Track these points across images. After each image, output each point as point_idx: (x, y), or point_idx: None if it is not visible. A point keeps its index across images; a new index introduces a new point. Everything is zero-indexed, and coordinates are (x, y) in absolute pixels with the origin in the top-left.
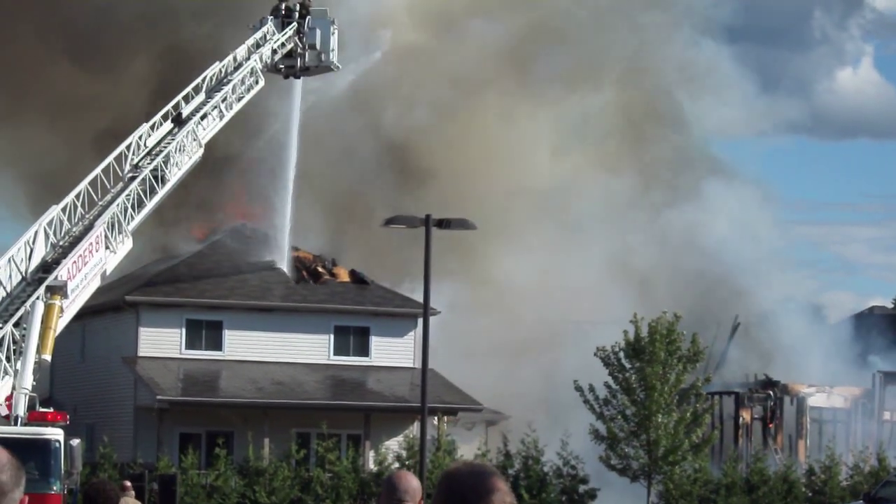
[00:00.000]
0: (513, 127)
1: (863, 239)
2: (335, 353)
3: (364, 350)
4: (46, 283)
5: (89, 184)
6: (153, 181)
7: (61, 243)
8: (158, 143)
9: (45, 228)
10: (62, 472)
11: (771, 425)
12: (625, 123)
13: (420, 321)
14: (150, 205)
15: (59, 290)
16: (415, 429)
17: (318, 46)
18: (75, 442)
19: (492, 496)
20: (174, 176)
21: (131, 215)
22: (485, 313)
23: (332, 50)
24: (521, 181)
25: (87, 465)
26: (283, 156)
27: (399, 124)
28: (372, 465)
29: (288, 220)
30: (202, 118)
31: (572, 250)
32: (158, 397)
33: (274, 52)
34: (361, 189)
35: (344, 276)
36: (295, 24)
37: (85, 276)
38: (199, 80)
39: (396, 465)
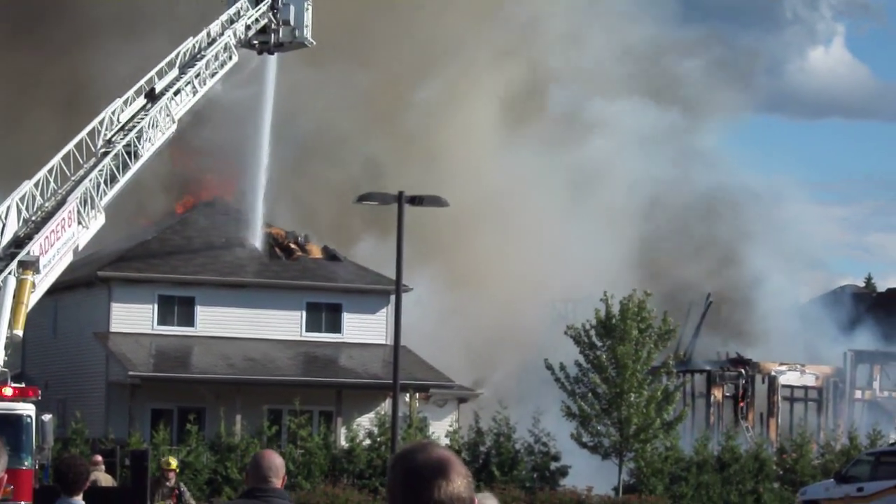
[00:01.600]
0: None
1: (834, 218)
2: (307, 330)
3: (336, 327)
4: (18, 258)
5: (62, 159)
6: (126, 157)
7: (34, 218)
8: (132, 118)
9: (17, 203)
10: (34, 447)
11: (742, 404)
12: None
13: (392, 298)
14: (123, 180)
15: (31, 265)
16: (387, 405)
17: (292, 22)
18: (47, 417)
19: (449, 471)
20: (147, 151)
21: (104, 191)
22: (458, 290)
23: (306, 26)
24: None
25: (59, 441)
26: (257, 132)
27: (377, 99)
28: (344, 442)
29: (260, 197)
30: (175, 94)
31: (551, 228)
32: (130, 373)
33: (248, 27)
34: (336, 164)
35: (316, 252)
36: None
37: (57, 251)
38: (172, 55)
39: (368, 441)
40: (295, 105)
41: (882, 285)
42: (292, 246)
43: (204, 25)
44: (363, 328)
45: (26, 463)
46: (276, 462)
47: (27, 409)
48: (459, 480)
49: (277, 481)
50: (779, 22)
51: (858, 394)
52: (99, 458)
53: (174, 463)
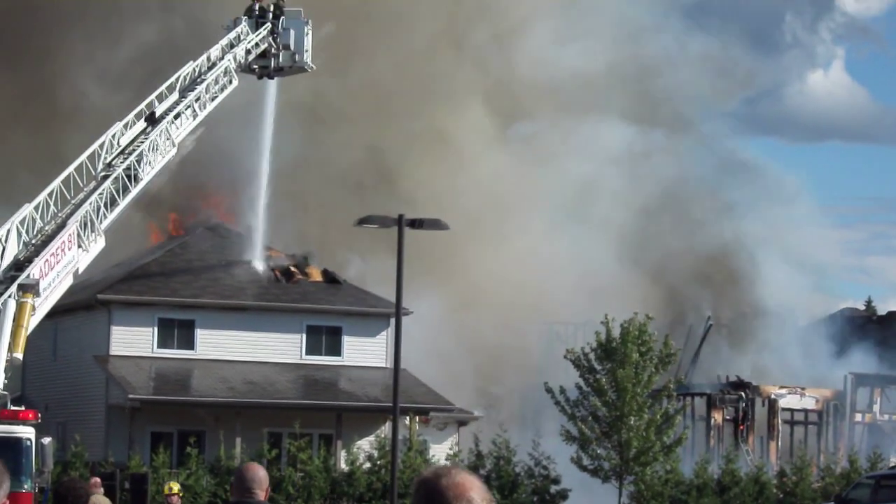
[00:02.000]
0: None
1: (835, 241)
2: (307, 353)
3: (336, 350)
4: (18, 281)
5: (62, 182)
6: (126, 180)
7: (34, 241)
8: (132, 142)
9: (17, 226)
10: (33, 470)
11: (742, 427)
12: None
13: (392, 321)
14: (123, 203)
15: (31, 288)
16: (386, 428)
17: (292, 47)
18: (47, 440)
19: (470, 493)
20: (147, 175)
21: (104, 214)
22: (458, 313)
23: (306, 50)
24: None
25: (59, 464)
26: (257, 155)
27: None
28: (344, 465)
29: (261, 220)
30: (175, 117)
31: (549, 250)
32: (130, 396)
33: (248, 52)
34: (335, 188)
35: (316, 275)
36: (269, 24)
37: (57, 274)
38: (172, 79)
39: (368, 464)
40: (289, 124)
41: (882, 308)
42: (292, 269)
43: (204, 49)
44: (363, 351)
45: (26, 486)
46: (259, 474)
47: (27, 432)
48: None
49: (261, 493)
50: (778, 45)
51: (859, 417)
52: (98, 480)
53: (176, 487)
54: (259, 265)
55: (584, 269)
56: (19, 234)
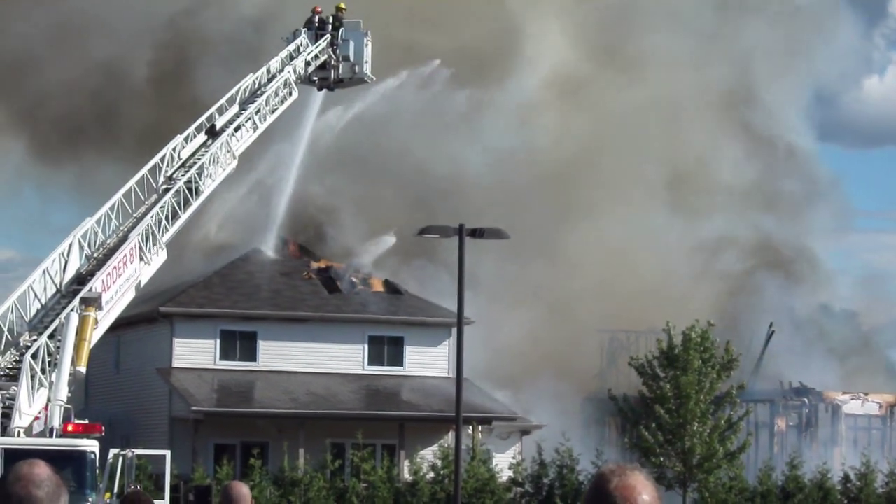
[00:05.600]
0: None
1: (893, 246)
2: (369, 364)
3: (398, 360)
4: (81, 294)
5: (123, 196)
6: (187, 193)
7: (95, 255)
8: (192, 154)
9: (79, 240)
10: (97, 483)
11: (806, 433)
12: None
13: (454, 330)
14: (185, 216)
15: (93, 301)
16: (449, 438)
17: (351, 58)
18: (130, 454)
19: (638, 497)
20: (208, 188)
21: (165, 227)
22: (518, 320)
23: (366, 62)
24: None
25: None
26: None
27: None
28: (407, 475)
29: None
30: (236, 130)
31: (609, 256)
32: (193, 408)
33: (307, 63)
34: (396, 197)
35: (378, 285)
36: (328, 35)
37: (119, 287)
38: (232, 91)
39: (431, 474)
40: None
41: None
42: (354, 279)
43: (264, 61)
44: (425, 361)
45: (90, 500)
46: (243, 492)
47: (90, 445)
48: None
49: None
50: (834, 53)
51: None
52: None
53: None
54: (318, 276)
55: (647, 276)
56: (81, 248)
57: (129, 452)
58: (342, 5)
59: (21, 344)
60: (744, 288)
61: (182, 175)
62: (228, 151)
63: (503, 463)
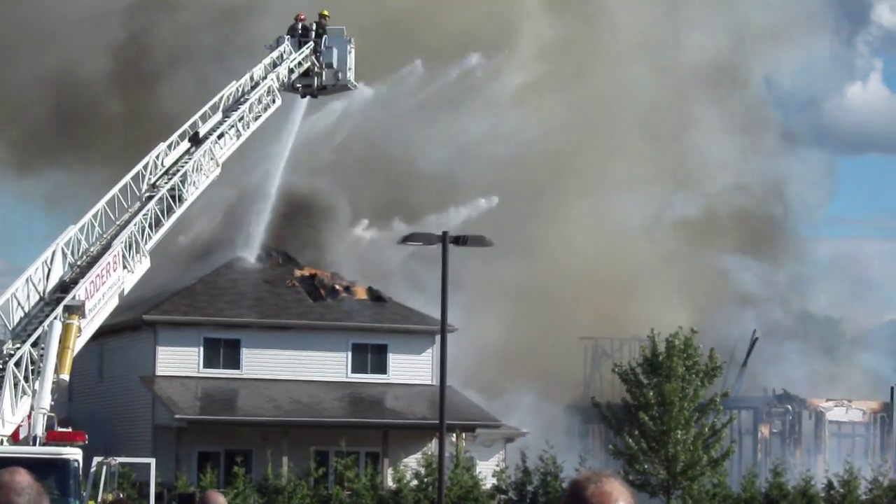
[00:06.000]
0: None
1: (877, 253)
2: (353, 371)
3: (382, 367)
4: (64, 302)
5: (106, 203)
6: (170, 200)
7: (79, 263)
8: (176, 162)
9: (62, 248)
10: (80, 491)
11: (789, 440)
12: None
13: (438, 338)
14: (168, 224)
15: (76, 309)
16: (433, 446)
17: (335, 65)
18: (114, 462)
19: (613, 502)
20: (191, 195)
21: (149, 235)
22: (502, 328)
23: (350, 69)
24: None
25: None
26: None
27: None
28: (391, 483)
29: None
30: (219, 137)
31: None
32: (177, 416)
33: (291, 71)
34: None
35: (361, 293)
36: (311, 43)
37: (103, 295)
38: (216, 98)
39: (415, 482)
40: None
41: None
42: (337, 287)
43: (247, 69)
44: (409, 368)
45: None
46: (219, 500)
47: (74, 453)
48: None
49: None
50: (816, 59)
51: None
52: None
53: None
54: (302, 283)
55: (628, 282)
56: (64, 256)
57: (112, 460)
58: (325, 12)
59: (4, 352)
60: (727, 292)
61: (165, 183)
62: (212, 159)
63: (487, 470)
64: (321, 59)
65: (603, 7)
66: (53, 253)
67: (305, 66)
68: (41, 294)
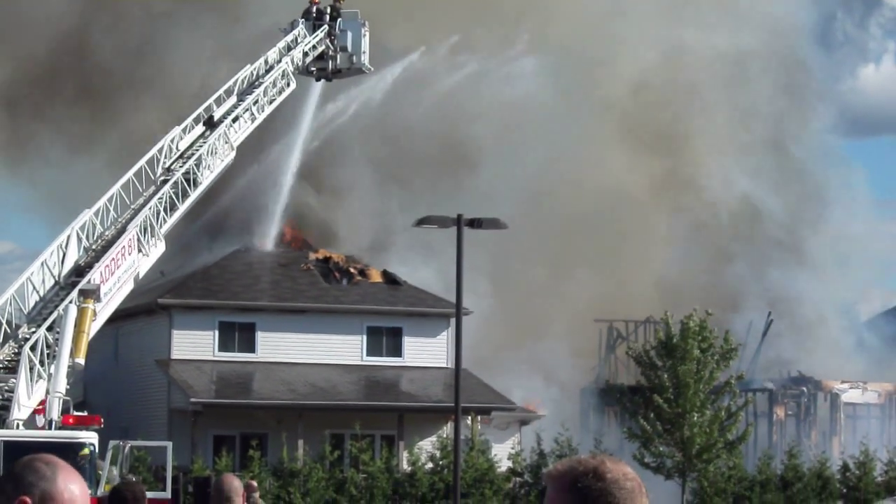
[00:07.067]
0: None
1: (891, 235)
2: (368, 354)
3: (397, 350)
4: (79, 286)
5: (121, 187)
6: (185, 184)
7: (94, 247)
8: (190, 146)
9: (77, 232)
10: (97, 475)
11: (804, 422)
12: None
13: (453, 321)
14: (183, 208)
15: (91, 293)
16: (448, 429)
17: (349, 49)
18: (127, 444)
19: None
20: (206, 179)
21: (163, 218)
22: (517, 311)
23: (364, 52)
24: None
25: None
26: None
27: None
28: (406, 466)
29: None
30: (234, 121)
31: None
32: (192, 400)
33: (305, 54)
34: (392, 188)
35: (376, 276)
36: (326, 26)
37: (118, 279)
38: (230, 82)
39: (430, 465)
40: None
41: None
42: (352, 270)
43: (262, 52)
44: (424, 352)
45: (89, 492)
46: (234, 484)
47: (90, 437)
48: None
49: (239, 500)
50: (830, 43)
51: None
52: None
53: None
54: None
55: (644, 266)
56: (79, 240)
57: (120, 443)
58: None
59: (20, 336)
60: (742, 275)
61: (180, 166)
62: (227, 142)
63: (502, 453)
64: (335, 42)
65: None
66: (68, 237)
67: (320, 49)
68: (56, 278)
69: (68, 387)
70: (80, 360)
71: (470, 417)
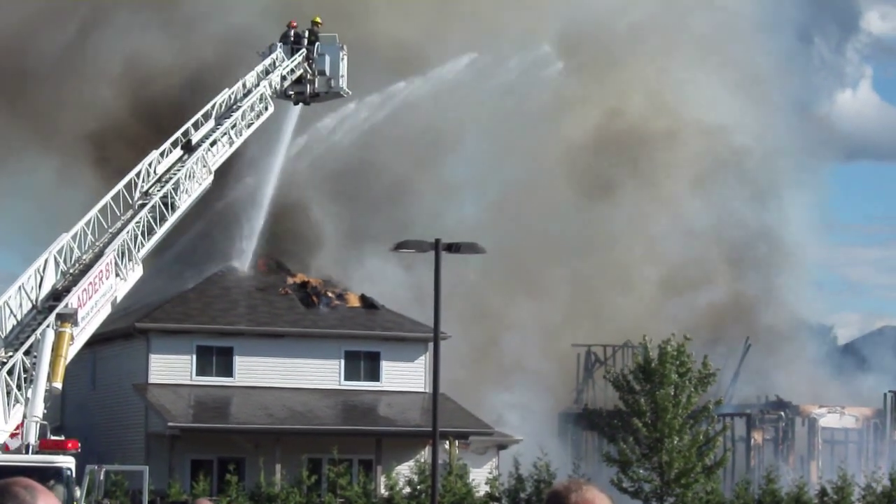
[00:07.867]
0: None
1: (868, 260)
2: (346, 379)
3: (375, 375)
4: (57, 310)
5: (99, 211)
6: (163, 208)
7: (71, 271)
8: (168, 170)
9: (55, 256)
10: (73, 499)
11: (782, 446)
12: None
13: (431, 345)
14: (160, 232)
15: (69, 317)
16: (426, 453)
17: (327, 72)
18: (102, 469)
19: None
20: (184, 203)
21: (141, 242)
22: (494, 335)
23: (342, 76)
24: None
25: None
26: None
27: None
28: (383, 491)
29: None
30: (212, 145)
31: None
32: (169, 424)
33: (283, 78)
34: (370, 211)
35: (354, 301)
36: (304, 50)
37: (95, 303)
38: (208, 106)
39: (408, 489)
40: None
41: None
42: (330, 294)
43: (240, 76)
44: (401, 376)
45: None
46: None
47: (67, 461)
48: None
49: None
50: (806, 68)
51: None
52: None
53: None
54: (295, 291)
55: (620, 289)
56: (57, 264)
57: (96, 467)
58: (318, 19)
59: None
60: (720, 300)
61: (158, 190)
62: (204, 166)
63: (480, 477)
64: (314, 66)
65: None
66: (46, 261)
67: (298, 73)
68: (34, 302)
69: (45, 411)
70: (58, 385)
71: (448, 442)
